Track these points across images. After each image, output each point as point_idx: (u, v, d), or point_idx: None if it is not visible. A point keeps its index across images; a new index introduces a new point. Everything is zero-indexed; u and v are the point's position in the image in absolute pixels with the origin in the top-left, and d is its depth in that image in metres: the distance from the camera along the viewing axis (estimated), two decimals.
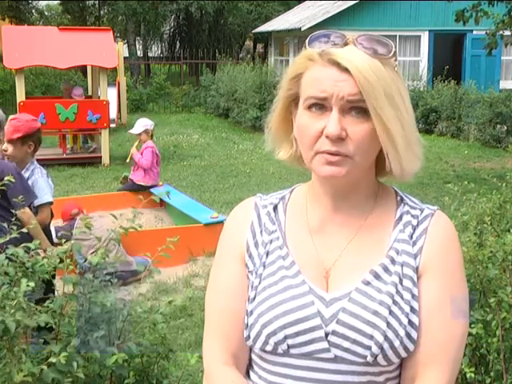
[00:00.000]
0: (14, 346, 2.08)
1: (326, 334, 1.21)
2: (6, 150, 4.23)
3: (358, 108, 1.18)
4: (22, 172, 4.31)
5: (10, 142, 4.21)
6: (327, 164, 1.20)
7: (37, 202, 4.29)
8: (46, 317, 2.08)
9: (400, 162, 1.21)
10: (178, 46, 31.59)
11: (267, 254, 1.30)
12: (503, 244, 2.58)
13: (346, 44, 1.20)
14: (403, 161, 1.22)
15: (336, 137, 1.17)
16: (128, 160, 8.55)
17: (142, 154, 8.08)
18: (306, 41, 1.22)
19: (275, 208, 1.35)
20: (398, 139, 1.19)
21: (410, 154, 1.22)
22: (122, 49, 16.63)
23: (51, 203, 4.38)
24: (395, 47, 1.23)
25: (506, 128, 13.18)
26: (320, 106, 1.19)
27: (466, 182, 3.43)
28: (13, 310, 1.98)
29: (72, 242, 2.49)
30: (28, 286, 2.06)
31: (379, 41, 1.20)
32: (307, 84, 1.21)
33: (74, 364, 2.06)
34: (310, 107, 1.21)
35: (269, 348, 1.25)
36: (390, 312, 1.20)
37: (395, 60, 1.22)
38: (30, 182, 4.29)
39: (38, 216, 4.26)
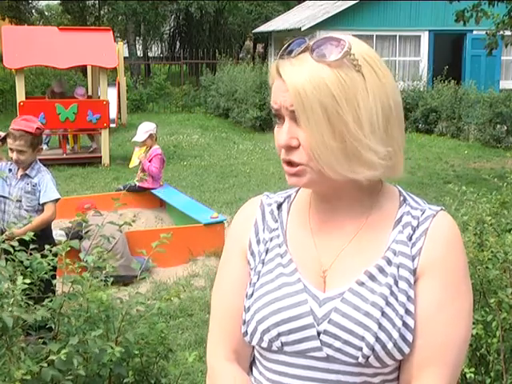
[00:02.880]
0: (13, 345, 2.08)
1: (318, 333, 1.20)
2: (16, 160, 4.24)
3: None
4: (28, 171, 4.32)
5: (21, 151, 4.23)
6: (287, 175, 1.23)
7: (44, 199, 4.29)
8: (43, 311, 2.07)
9: (334, 171, 1.17)
10: (177, 46, 31.58)
11: (267, 252, 1.30)
12: (503, 244, 2.57)
13: (304, 51, 1.18)
14: (341, 170, 1.17)
15: (284, 146, 1.19)
16: (131, 165, 8.47)
17: (150, 160, 7.84)
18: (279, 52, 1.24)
19: (279, 206, 1.36)
20: (324, 153, 1.15)
21: (355, 165, 1.17)
22: (122, 49, 16.63)
23: (58, 200, 4.39)
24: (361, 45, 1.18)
25: (506, 128, 13.18)
26: (279, 116, 1.21)
27: (466, 184, 3.43)
28: (10, 309, 1.97)
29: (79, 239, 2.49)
30: (24, 283, 2.06)
31: (331, 43, 1.17)
32: (271, 95, 1.24)
33: (75, 361, 2.05)
34: (275, 117, 1.23)
35: (264, 345, 1.25)
36: (383, 314, 1.18)
37: (354, 59, 1.16)
38: (36, 180, 4.30)
39: (43, 213, 4.27)
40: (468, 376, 2.43)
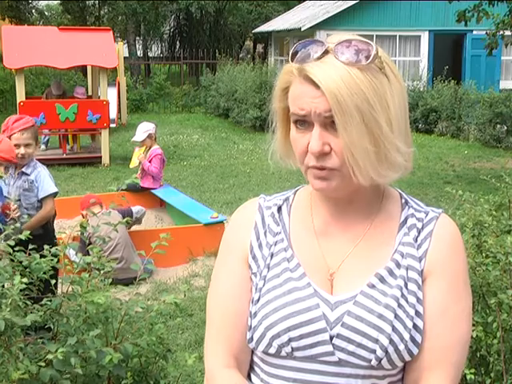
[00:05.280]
0: (11, 345, 2.08)
1: (331, 337, 1.19)
2: (23, 155, 4.25)
3: None
4: (24, 169, 4.33)
5: (28, 145, 4.24)
6: (316, 178, 1.20)
7: (42, 194, 4.30)
8: (33, 316, 2.07)
9: (367, 175, 1.18)
10: (178, 46, 31.60)
11: (272, 256, 1.28)
12: (502, 246, 2.57)
13: (325, 54, 1.16)
14: (373, 174, 1.18)
15: (318, 153, 1.17)
16: (132, 166, 8.45)
17: (150, 161, 7.83)
18: (290, 53, 1.20)
19: (279, 209, 1.34)
20: (362, 157, 1.15)
21: (384, 168, 1.19)
22: (122, 49, 16.61)
23: (56, 194, 4.39)
24: (384, 46, 1.20)
25: (505, 128, 13.18)
26: (303, 122, 1.19)
27: (466, 184, 3.42)
28: (8, 309, 1.97)
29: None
30: (22, 283, 2.05)
31: (357, 47, 1.16)
32: (291, 100, 1.21)
33: (72, 360, 2.04)
34: (295, 122, 1.21)
35: (272, 350, 1.23)
36: (396, 315, 1.19)
37: (380, 62, 1.18)
38: (33, 177, 4.31)
39: (42, 209, 4.28)
40: (468, 377, 2.43)
